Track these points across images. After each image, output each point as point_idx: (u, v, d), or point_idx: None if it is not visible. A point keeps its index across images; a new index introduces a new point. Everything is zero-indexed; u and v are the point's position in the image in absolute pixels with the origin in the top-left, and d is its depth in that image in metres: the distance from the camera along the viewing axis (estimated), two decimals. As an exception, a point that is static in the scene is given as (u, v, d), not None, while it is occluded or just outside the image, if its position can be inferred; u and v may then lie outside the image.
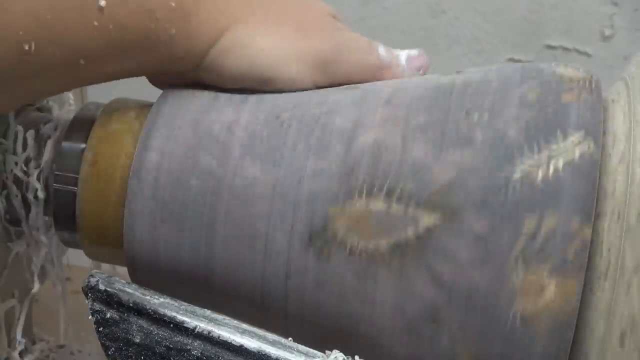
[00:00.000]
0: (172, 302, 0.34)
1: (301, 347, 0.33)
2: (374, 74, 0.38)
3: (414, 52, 0.40)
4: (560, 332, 0.31)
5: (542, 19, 0.78)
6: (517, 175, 0.32)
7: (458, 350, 0.33)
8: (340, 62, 0.37)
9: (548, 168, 0.31)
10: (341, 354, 0.32)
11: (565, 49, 0.79)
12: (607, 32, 0.77)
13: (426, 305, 0.33)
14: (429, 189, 0.33)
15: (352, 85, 0.38)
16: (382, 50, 0.39)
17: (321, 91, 0.38)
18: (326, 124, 0.36)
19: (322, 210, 0.34)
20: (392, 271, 0.33)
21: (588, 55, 0.78)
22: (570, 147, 0.32)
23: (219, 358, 0.32)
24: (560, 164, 0.31)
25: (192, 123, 0.37)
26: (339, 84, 0.38)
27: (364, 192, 0.34)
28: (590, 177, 0.31)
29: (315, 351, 0.33)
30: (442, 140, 0.33)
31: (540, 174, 0.31)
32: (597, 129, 0.32)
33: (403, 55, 0.40)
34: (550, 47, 0.79)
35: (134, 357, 0.33)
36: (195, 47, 0.36)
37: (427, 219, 0.33)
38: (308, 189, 0.34)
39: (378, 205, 0.33)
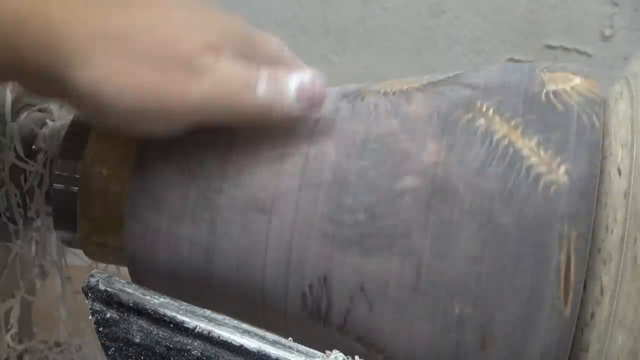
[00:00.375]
0: (172, 302, 0.34)
1: (301, 347, 0.33)
2: (254, 120, 0.33)
3: (307, 77, 0.33)
4: None
5: (542, 19, 0.79)
6: None
7: None
8: (211, 113, 0.32)
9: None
10: (341, 354, 0.32)
11: (565, 49, 0.79)
12: (607, 32, 0.77)
13: None
14: None
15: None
16: (262, 86, 0.31)
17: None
18: None
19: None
20: None
21: (588, 55, 0.78)
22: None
23: (219, 358, 0.32)
24: None
25: None
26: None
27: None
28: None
29: (315, 351, 0.33)
30: None
31: None
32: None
33: (293, 84, 0.32)
34: (550, 47, 0.79)
35: (134, 357, 0.33)
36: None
37: None
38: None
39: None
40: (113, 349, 0.33)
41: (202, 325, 0.33)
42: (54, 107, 0.46)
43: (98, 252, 0.41)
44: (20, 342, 0.56)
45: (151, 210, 0.37)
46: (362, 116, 0.36)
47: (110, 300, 0.33)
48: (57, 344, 0.59)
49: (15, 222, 0.43)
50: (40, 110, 0.45)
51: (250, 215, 0.36)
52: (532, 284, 0.31)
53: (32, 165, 0.41)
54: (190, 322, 0.33)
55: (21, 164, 0.41)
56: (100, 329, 0.33)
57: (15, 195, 0.41)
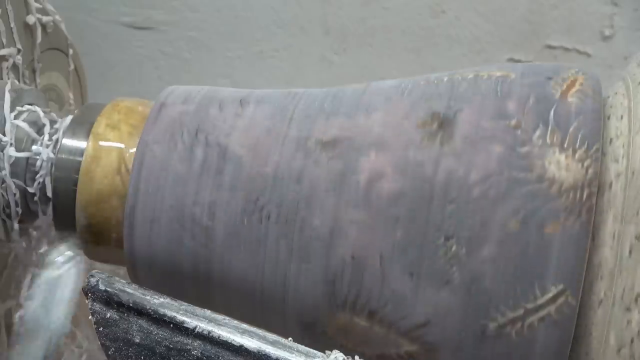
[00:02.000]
0: (172, 302, 0.34)
1: (301, 347, 0.33)
2: None
3: None
4: None
5: (542, 19, 0.78)
6: (491, 330, 0.31)
7: None
8: None
9: (523, 326, 0.31)
10: (341, 354, 0.32)
11: (565, 49, 0.79)
12: (607, 32, 0.77)
13: None
14: (408, 323, 0.33)
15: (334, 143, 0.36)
16: None
17: (297, 162, 0.36)
18: (304, 223, 0.35)
19: (310, 311, 0.35)
20: None
21: (588, 55, 0.78)
22: (548, 303, 0.31)
23: (219, 358, 0.32)
24: (536, 321, 0.31)
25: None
26: None
27: (347, 306, 0.34)
28: (566, 331, 0.31)
29: (315, 351, 0.33)
30: (420, 273, 0.32)
31: (514, 333, 0.31)
32: (577, 278, 0.31)
33: None
34: (550, 47, 0.79)
35: (134, 357, 0.33)
36: None
37: (408, 347, 0.33)
38: (294, 289, 0.35)
39: (361, 322, 0.34)
40: (113, 349, 0.33)
41: (202, 325, 0.33)
42: (53, 107, 0.46)
43: (98, 252, 0.41)
44: (20, 342, 0.56)
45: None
46: None
47: (110, 300, 0.33)
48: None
49: (14, 222, 0.43)
50: (40, 111, 0.45)
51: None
52: None
53: (32, 165, 0.41)
54: (190, 322, 0.33)
55: (20, 164, 0.41)
56: (100, 329, 0.33)
57: (15, 194, 0.41)
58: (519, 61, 0.79)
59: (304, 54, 0.86)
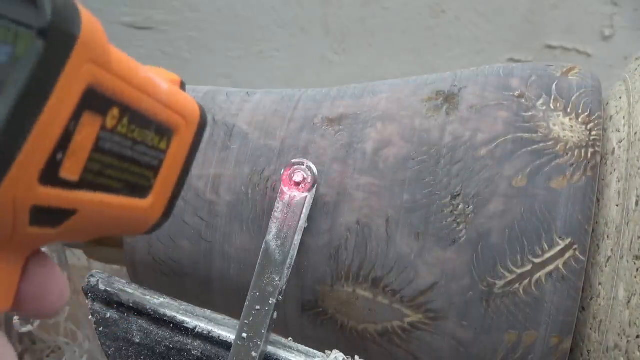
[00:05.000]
0: (172, 302, 0.34)
1: (301, 347, 0.33)
2: None
3: None
4: None
5: (542, 19, 0.78)
6: (498, 288, 0.31)
7: None
8: None
9: (530, 282, 0.31)
10: (341, 354, 0.32)
11: (565, 49, 0.79)
12: (607, 32, 0.77)
13: None
14: (413, 290, 0.33)
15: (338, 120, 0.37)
16: None
17: (305, 132, 0.37)
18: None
19: (311, 286, 0.35)
20: (381, 349, 0.34)
21: (588, 55, 0.78)
22: (556, 256, 0.31)
23: (219, 358, 0.32)
24: (544, 277, 0.31)
25: None
26: None
27: (351, 277, 0.34)
28: (574, 286, 0.31)
29: (315, 351, 0.33)
30: (426, 233, 0.33)
31: (521, 290, 0.31)
32: (585, 231, 0.31)
33: None
34: (550, 47, 0.79)
35: (134, 357, 0.33)
36: None
37: (413, 317, 0.33)
38: (296, 263, 0.35)
39: (365, 293, 0.34)
40: (113, 349, 0.33)
41: (202, 325, 0.33)
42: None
43: (98, 251, 0.41)
44: (21, 342, 0.56)
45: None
46: None
47: (110, 300, 0.33)
48: (57, 345, 0.59)
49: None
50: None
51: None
52: None
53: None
54: (190, 322, 0.33)
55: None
56: (100, 329, 0.33)
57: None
58: (518, 61, 0.79)
59: (304, 54, 0.86)
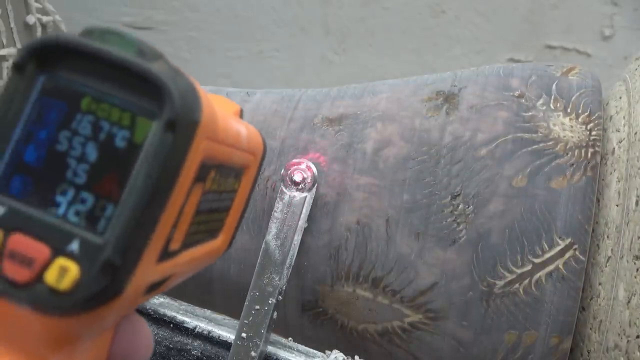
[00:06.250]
0: (172, 302, 0.34)
1: (301, 347, 0.33)
2: None
3: None
4: None
5: (542, 19, 0.78)
6: (498, 288, 0.31)
7: None
8: None
9: (530, 282, 0.31)
10: (341, 354, 0.32)
11: (565, 49, 0.79)
12: (607, 32, 0.77)
13: None
14: (413, 290, 0.33)
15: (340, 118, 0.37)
16: None
17: (304, 133, 0.37)
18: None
19: (311, 286, 0.35)
20: (381, 349, 0.34)
21: (588, 55, 0.78)
22: (556, 256, 0.31)
23: (219, 358, 0.32)
24: (544, 277, 0.31)
25: None
26: None
27: (351, 277, 0.34)
28: (574, 286, 0.31)
29: (315, 351, 0.33)
30: (426, 233, 0.32)
31: (521, 290, 0.31)
32: (585, 231, 0.31)
33: None
34: (550, 47, 0.79)
35: (134, 357, 0.33)
36: None
37: (412, 317, 0.33)
38: (297, 263, 0.35)
39: (365, 293, 0.34)
40: (113, 349, 0.33)
41: (202, 325, 0.33)
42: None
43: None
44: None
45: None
46: None
47: (110, 300, 0.33)
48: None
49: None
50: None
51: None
52: None
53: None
54: (190, 322, 0.33)
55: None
56: (100, 329, 0.33)
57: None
58: (518, 61, 0.79)
59: (304, 54, 0.86)
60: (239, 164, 0.17)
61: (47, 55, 0.13)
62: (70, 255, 0.12)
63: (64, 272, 0.12)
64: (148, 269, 0.13)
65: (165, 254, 0.14)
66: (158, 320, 0.33)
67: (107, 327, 0.14)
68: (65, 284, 0.12)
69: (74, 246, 0.12)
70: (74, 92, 0.13)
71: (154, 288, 0.14)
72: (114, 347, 0.15)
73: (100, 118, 0.13)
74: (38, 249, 0.12)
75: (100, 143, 0.13)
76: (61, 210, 0.13)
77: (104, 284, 0.12)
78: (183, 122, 0.13)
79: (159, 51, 0.13)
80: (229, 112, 0.18)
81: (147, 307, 0.33)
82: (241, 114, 0.19)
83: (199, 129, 0.13)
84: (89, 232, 0.12)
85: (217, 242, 0.17)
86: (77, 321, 0.13)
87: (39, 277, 0.12)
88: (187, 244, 0.15)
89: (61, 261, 0.12)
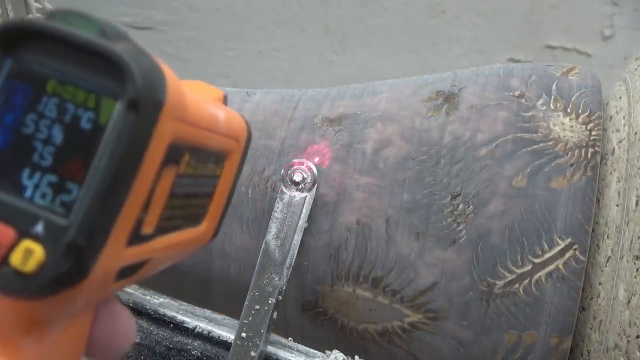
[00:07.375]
0: (172, 302, 0.34)
1: (301, 347, 0.33)
2: None
3: None
4: None
5: (542, 19, 0.78)
6: (498, 288, 0.31)
7: None
8: None
9: (530, 282, 0.31)
10: (341, 354, 0.32)
11: (565, 49, 0.79)
12: (607, 32, 0.77)
13: None
14: (413, 290, 0.33)
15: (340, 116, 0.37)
16: None
17: (304, 133, 0.37)
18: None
19: (311, 286, 0.35)
20: (381, 349, 0.34)
21: (588, 55, 0.78)
22: (556, 256, 0.31)
23: (219, 358, 0.32)
24: (544, 277, 0.31)
25: None
26: None
27: (351, 277, 0.34)
28: (574, 286, 0.31)
29: (315, 351, 0.33)
30: (426, 233, 0.32)
31: (521, 290, 0.31)
32: (585, 231, 0.31)
33: None
34: (550, 47, 0.79)
35: (134, 357, 0.33)
36: None
37: (412, 317, 0.33)
38: (296, 263, 0.35)
39: (365, 293, 0.34)
40: (113, 349, 0.33)
41: (202, 325, 0.33)
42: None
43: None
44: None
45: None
46: None
47: (110, 300, 0.33)
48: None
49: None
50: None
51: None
52: None
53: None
54: (190, 322, 0.33)
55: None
56: (100, 329, 0.33)
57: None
58: (518, 61, 0.79)
59: (304, 54, 0.86)
60: (218, 149, 0.17)
61: (12, 39, 0.13)
62: (36, 238, 0.12)
63: (29, 254, 0.12)
64: (117, 252, 0.13)
65: (137, 238, 0.14)
66: (158, 320, 0.33)
67: (77, 311, 0.14)
68: (30, 266, 0.12)
69: (39, 228, 0.12)
70: (40, 74, 0.13)
71: (127, 273, 0.14)
72: (92, 334, 0.15)
73: (66, 100, 0.13)
74: (3, 232, 0.12)
75: (66, 125, 0.13)
76: (28, 193, 0.13)
77: (68, 266, 0.12)
78: (146, 101, 0.13)
79: (123, 31, 0.13)
80: (209, 97, 0.18)
81: (147, 307, 0.33)
82: (225, 100, 0.19)
83: (164, 109, 0.13)
84: (54, 214, 0.12)
85: (200, 229, 0.17)
86: (45, 304, 0.13)
87: (5, 260, 0.12)
88: (162, 229, 0.15)
89: (26, 243, 0.12)
